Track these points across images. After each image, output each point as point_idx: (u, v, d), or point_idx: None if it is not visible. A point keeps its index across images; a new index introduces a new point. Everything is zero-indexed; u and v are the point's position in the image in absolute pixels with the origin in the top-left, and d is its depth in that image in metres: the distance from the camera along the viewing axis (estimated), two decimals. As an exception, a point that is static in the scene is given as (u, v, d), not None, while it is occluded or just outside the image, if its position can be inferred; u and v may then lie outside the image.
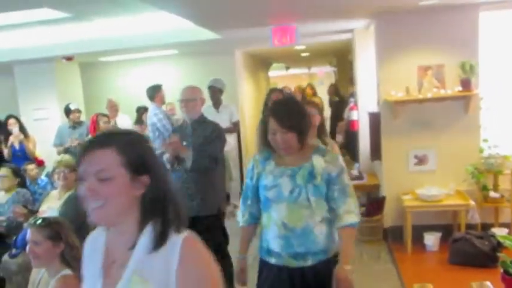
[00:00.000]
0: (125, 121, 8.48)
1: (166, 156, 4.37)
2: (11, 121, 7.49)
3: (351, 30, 8.15)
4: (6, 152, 7.35)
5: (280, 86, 15.64)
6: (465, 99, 5.89)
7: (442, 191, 5.86)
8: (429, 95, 5.88)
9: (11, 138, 7.36)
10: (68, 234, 3.07)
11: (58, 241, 3.00)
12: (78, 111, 8.01)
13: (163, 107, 7.57)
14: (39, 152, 8.04)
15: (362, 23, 7.23)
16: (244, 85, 11.06)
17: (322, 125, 4.15)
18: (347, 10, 6.09)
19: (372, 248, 6.15)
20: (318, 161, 2.86)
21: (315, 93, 14.87)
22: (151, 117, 7.13)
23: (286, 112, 2.81)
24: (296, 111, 2.84)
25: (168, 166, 4.40)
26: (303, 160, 2.88)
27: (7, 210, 5.07)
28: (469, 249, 5.30)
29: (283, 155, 2.90)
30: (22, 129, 7.55)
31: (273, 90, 5.89)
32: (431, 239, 5.88)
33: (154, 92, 7.40)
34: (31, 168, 6.65)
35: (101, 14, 6.08)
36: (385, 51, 6.19)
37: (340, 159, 2.96)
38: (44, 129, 8.69)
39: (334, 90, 14.13)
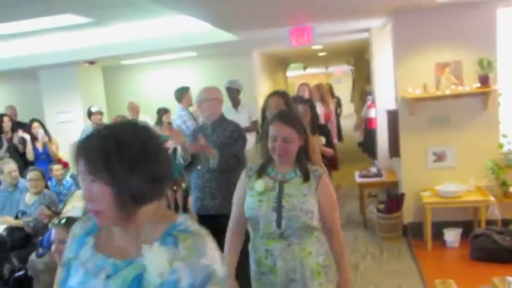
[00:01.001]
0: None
1: (181, 153, 4.37)
2: (35, 124, 7.59)
3: (367, 29, 8.11)
4: (29, 153, 7.43)
5: (297, 84, 15.49)
6: (484, 95, 5.81)
7: (462, 187, 5.78)
8: (447, 92, 5.80)
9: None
10: None
11: None
12: (100, 113, 8.09)
13: (191, 109, 7.60)
14: (64, 154, 8.12)
15: (379, 21, 7.18)
16: (262, 85, 11.06)
17: (301, 151, 2.83)
18: (364, 9, 6.05)
19: (392, 245, 6.10)
20: (155, 259, 1.48)
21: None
22: (176, 119, 7.19)
23: (102, 147, 1.48)
24: (123, 149, 1.46)
25: (182, 161, 4.40)
26: (135, 248, 1.53)
27: (34, 211, 5.13)
28: (489, 245, 5.24)
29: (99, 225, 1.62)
30: (45, 132, 7.64)
31: (271, 94, 4.35)
32: (452, 235, 5.80)
33: (182, 94, 7.46)
34: (57, 168, 6.73)
35: (121, 18, 6.12)
36: (403, 49, 6.13)
37: (213, 254, 1.50)
38: (68, 132, 8.79)
39: (329, 91, 12.22)
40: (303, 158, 2.83)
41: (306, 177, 2.77)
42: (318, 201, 2.74)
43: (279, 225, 2.68)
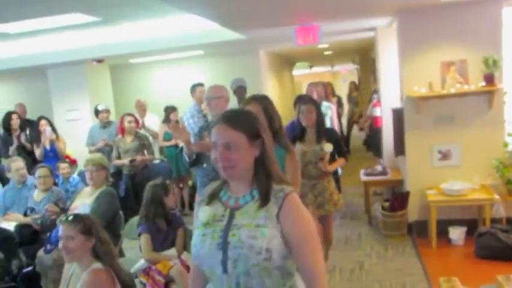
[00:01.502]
0: (153, 120, 8.55)
1: (185, 152, 4.35)
2: (43, 122, 7.59)
3: (373, 28, 8.08)
4: (38, 152, 7.45)
5: (303, 82, 15.36)
6: (489, 94, 5.77)
7: (467, 186, 5.75)
8: (452, 91, 5.77)
9: (43, 138, 7.46)
10: (98, 229, 3.10)
11: (90, 235, 3.03)
12: (106, 111, 8.08)
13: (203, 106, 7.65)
14: (72, 152, 8.14)
15: (384, 20, 7.15)
16: (268, 84, 11.05)
17: (259, 164, 2.04)
18: (370, 8, 6.02)
19: (397, 243, 6.07)
20: None
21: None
22: (186, 112, 7.28)
23: None
24: None
25: (187, 159, 4.38)
26: None
27: (42, 208, 5.14)
28: (494, 243, 5.21)
29: None
30: (53, 129, 7.64)
31: (248, 100, 3.55)
32: (457, 233, 5.78)
33: (192, 90, 7.54)
34: (63, 167, 6.75)
35: (129, 17, 6.13)
36: (408, 48, 6.10)
37: None
38: (77, 130, 8.82)
39: (332, 90, 11.61)
40: (261, 174, 2.04)
41: (264, 201, 1.98)
42: (282, 233, 1.93)
43: (225, 270, 1.93)
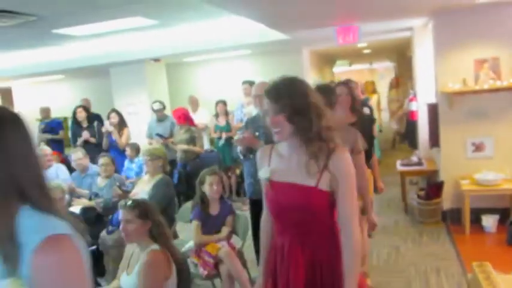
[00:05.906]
0: (204, 115, 8.65)
1: (239, 148, 4.36)
2: (112, 114, 7.71)
3: (410, 28, 7.92)
4: (104, 142, 7.60)
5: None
6: (521, 89, 5.60)
7: (500, 176, 5.59)
8: (485, 87, 5.61)
9: (103, 129, 7.61)
10: (154, 213, 3.13)
11: (146, 219, 3.06)
12: (160, 110, 7.86)
13: (243, 100, 7.81)
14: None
15: (421, 21, 7.00)
16: (311, 81, 10.96)
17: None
18: (407, 9, 5.90)
19: (431, 229, 5.95)
20: None
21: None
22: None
23: None
24: None
25: (241, 156, 4.40)
26: None
27: (105, 193, 5.25)
28: (525, 231, 5.06)
29: None
30: (121, 122, 7.72)
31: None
32: (490, 221, 5.63)
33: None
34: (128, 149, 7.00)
35: (183, 20, 6.18)
36: (443, 46, 5.95)
37: None
38: (135, 122, 8.96)
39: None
40: None
41: None
42: None
43: None
